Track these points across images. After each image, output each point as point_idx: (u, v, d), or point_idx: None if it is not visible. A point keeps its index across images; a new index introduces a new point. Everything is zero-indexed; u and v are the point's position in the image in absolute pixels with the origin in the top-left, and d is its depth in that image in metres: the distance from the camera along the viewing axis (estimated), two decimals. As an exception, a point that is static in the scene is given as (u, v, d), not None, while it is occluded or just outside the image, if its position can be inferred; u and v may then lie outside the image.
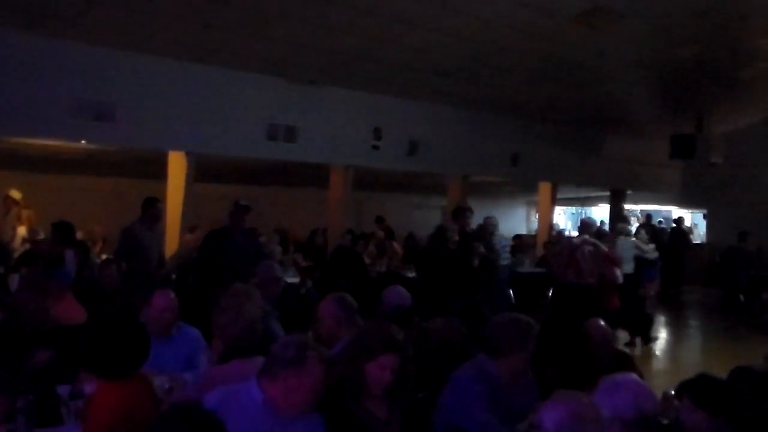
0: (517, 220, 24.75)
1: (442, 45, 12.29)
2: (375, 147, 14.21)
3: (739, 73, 16.29)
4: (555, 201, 19.97)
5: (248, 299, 5.16)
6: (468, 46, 12.52)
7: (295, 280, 11.92)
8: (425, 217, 20.74)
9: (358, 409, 4.12)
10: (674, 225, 21.23)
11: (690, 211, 24.48)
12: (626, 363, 5.51)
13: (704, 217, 23.93)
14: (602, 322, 5.69)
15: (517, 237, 19.33)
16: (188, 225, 12.76)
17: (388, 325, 4.45)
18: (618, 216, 21.31)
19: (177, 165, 12.51)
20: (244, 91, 12.37)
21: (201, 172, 12.87)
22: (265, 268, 7.30)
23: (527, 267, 16.66)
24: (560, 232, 21.52)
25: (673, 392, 4.51)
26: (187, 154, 12.36)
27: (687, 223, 23.10)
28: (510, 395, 4.77)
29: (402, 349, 4.20)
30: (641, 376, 5.40)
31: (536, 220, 21.24)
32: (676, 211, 23.75)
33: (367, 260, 14.01)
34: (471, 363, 4.82)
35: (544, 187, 19.43)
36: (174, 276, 10.86)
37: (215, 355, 4.81)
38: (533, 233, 21.53)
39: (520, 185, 21.06)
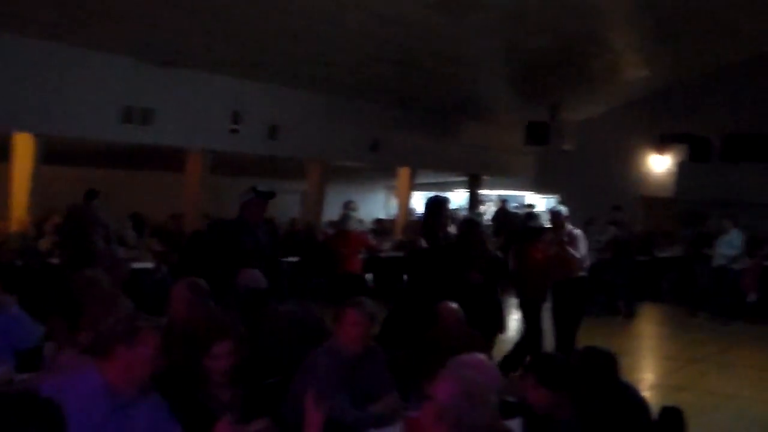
0: (376, 205, 24.92)
1: (302, 30, 12.26)
2: (234, 131, 14.05)
3: (591, 64, 16.89)
4: (413, 186, 20.23)
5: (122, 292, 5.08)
6: (328, 32, 12.53)
7: (151, 265, 11.68)
8: (285, 201, 20.64)
9: (202, 394, 4.14)
10: (527, 210, 21.83)
11: (543, 196, 25.17)
12: (478, 344, 5.64)
13: (557, 201, 24.66)
14: (454, 305, 5.81)
15: (377, 221, 19.54)
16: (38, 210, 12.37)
17: (213, 313, 4.48)
18: (475, 201, 21.81)
19: (24, 147, 12.07)
20: (98, 72, 12.01)
21: (51, 154, 12.44)
22: (106, 253, 7.14)
23: (386, 251, 16.80)
24: (419, 217, 21.80)
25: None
26: (36, 135, 11.93)
27: (540, 208, 23.77)
28: (363, 377, 4.82)
29: (231, 333, 4.26)
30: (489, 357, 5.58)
31: (395, 205, 21.43)
32: (530, 197, 24.41)
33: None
34: (321, 346, 4.85)
35: (403, 172, 19.65)
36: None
37: (84, 344, 4.68)
38: (392, 218, 21.73)
39: (379, 170, 21.22)
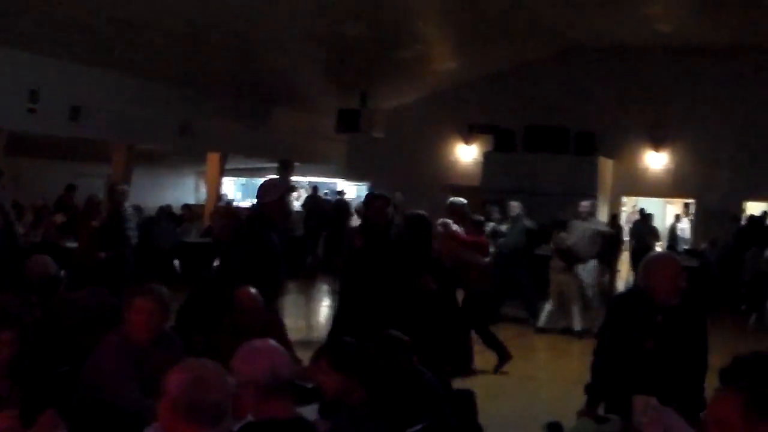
0: (185, 191, 24.45)
1: (107, 7, 11.84)
2: (31, 110, 13.37)
3: (400, 53, 17.14)
4: (224, 171, 19.96)
5: None
6: (135, 11, 12.15)
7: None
8: (89, 186, 19.94)
9: None
10: (338, 196, 21.96)
11: (355, 183, 25.39)
12: (275, 330, 5.59)
13: (369, 189, 24.93)
14: (253, 290, 5.73)
15: (186, 207, 19.18)
16: None
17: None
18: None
19: None
20: None
21: None
22: None
23: (194, 237, 16.55)
24: (229, 203, 21.57)
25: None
26: None
27: (351, 195, 24.00)
28: (155, 365, 4.68)
29: (12, 321, 4.06)
30: (289, 344, 5.57)
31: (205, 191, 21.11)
32: (341, 183, 24.56)
33: (21, 230, 13.20)
34: (112, 332, 4.69)
35: (213, 158, 19.35)
36: None
37: None
38: (203, 203, 21.40)
39: (189, 155, 20.81)
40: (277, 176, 7.40)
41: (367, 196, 8.12)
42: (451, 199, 9.94)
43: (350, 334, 6.85)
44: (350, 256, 7.64)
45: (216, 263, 14.03)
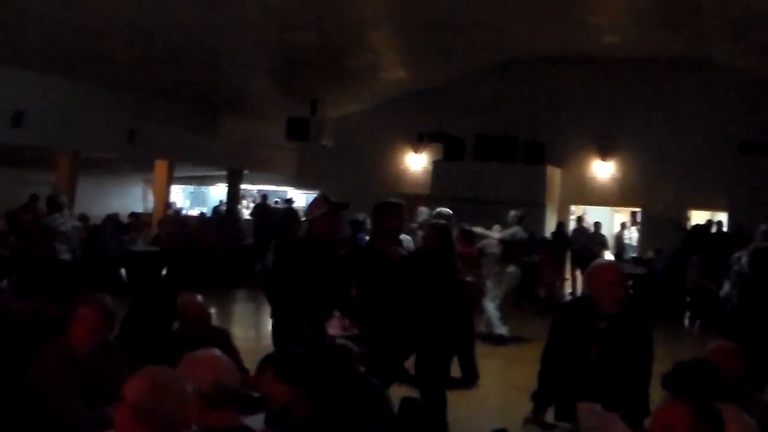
0: (133, 199, 24.17)
1: (52, 13, 11.68)
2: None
3: (350, 62, 17.16)
4: (172, 179, 19.78)
5: None
6: (80, 17, 12.02)
7: None
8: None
9: None
10: (287, 204, 21.88)
11: (304, 191, 25.32)
12: (221, 339, 5.53)
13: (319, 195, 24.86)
14: (199, 298, 5.66)
15: (133, 215, 18.96)
16: None
17: None
18: (236, 195, 21.60)
19: None
20: None
21: None
22: None
23: (141, 246, 16.36)
24: (177, 211, 21.39)
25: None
26: None
27: (300, 203, 23.93)
28: (98, 376, 4.61)
29: None
30: (236, 353, 5.51)
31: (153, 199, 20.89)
32: (291, 192, 24.47)
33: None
34: (54, 343, 4.61)
35: (161, 165, 19.17)
36: None
37: None
38: (150, 212, 21.19)
39: (136, 162, 20.59)
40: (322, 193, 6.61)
41: (381, 205, 7.22)
42: (438, 209, 9.67)
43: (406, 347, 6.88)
44: (389, 269, 6.94)
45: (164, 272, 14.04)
